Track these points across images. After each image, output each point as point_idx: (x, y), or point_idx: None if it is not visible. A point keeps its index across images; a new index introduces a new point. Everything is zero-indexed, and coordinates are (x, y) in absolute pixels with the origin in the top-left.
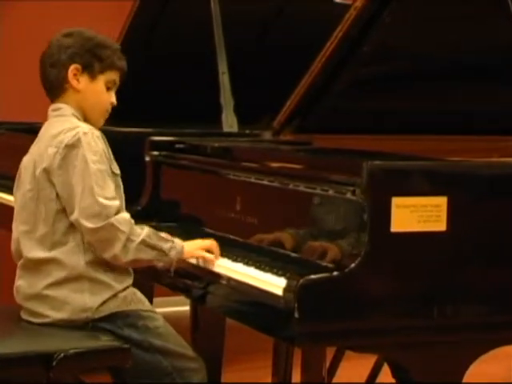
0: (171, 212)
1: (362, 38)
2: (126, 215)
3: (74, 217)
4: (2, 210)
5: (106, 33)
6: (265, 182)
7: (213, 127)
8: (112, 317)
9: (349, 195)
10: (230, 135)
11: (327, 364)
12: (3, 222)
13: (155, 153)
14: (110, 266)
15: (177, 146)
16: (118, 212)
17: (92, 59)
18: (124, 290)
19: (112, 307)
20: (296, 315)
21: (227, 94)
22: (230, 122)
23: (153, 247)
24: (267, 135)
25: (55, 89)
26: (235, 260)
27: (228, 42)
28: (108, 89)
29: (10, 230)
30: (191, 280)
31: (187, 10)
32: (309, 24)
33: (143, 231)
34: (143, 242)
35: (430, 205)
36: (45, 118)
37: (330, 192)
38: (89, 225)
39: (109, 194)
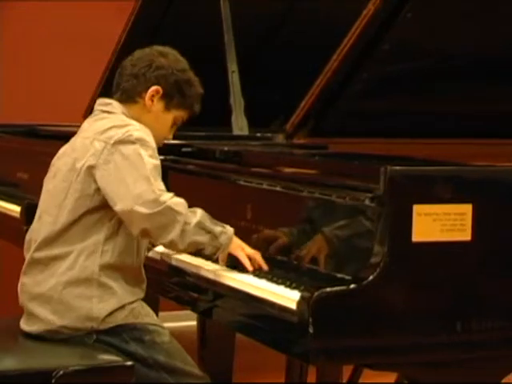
0: None
1: (381, 35)
2: (180, 199)
3: (123, 206)
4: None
5: (106, 33)
6: (277, 189)
7: (222, 130)
8: (118, 329)
9: (367, 202)
10: (240, 138)
11: (344, 383)
12: (2, 232)
13: (161, 157)
14: (124, 275)
15: (184, 149)
16: (172, 197)
17: (176, 91)
18: (132, 302)
19: (119, 319)
20: (310, 330)
21: (237, 95)
22: (240, 124)
23: (207, 230)
24: (280, 138)
25: (126, 96)
26: (246, 272)
27: (238, 38)
28: (172, 125)
29: (9, 240)
30: (198, 293)
31: (194, 6)
32: (324, 20)
33: (197, 213)
34: (199, 224)
35: (454, 213)
36: (46, 120)
37: (347, 199)
38: (145, 210)
39: (162, 187)
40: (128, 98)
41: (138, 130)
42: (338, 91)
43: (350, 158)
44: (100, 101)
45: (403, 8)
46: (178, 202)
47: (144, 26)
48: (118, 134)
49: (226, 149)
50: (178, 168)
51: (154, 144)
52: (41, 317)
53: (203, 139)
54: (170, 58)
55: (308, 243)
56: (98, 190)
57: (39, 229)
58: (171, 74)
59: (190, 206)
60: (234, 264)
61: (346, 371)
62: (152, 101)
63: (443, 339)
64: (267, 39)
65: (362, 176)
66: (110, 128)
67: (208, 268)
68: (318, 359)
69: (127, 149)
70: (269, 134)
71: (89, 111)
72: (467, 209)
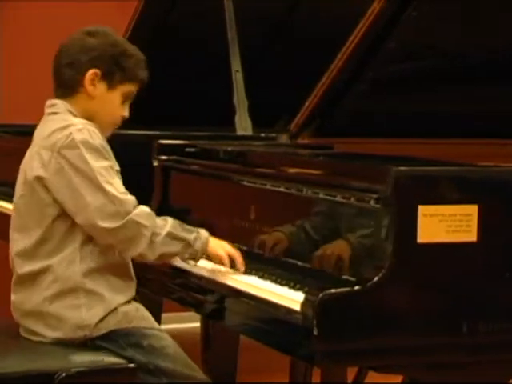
0: (181, 221)
1: (386, 34)
2: (145, 208)
3: (85, 221)
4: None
5: None
6: (281, 189)
7: (225, 130)
8: (112, 335)
9: (372, 203)
10: (243, 138)
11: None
12: (1, 232)
13: (164, 157)
14: (109, 277)
15: (187, 149)
16: (135, 206)
17: (114, 67)
18: (125, 303)
19: (112, 324)
20: (315, 332)
21: (241, 94)
22: (243, 124)
23: (179, 239)
24: (284, 139)
25: (67, 89)
26: (249, 273)
27: (242, 37)
28: (123, 101)
29: (5, 239)
30: (202, 294)
31: (198, 5)
32: (329, 20)
33: (167, 222)
34: (169, 235)
35: (460, 214)
36: None
37: (352, 200)
38: (107, 225)
39: (120, 188)
40: (69, 90)
41: (79, 130)
42: (342, 91)
43: (355, 159)
44: (47, 103)
45: (408, 7)
46: (142, 214)
47: (147, 26)
48: (60, 139)
49: (229, 149)
50: (181, 168)
51: (99, 142)
52: (36, 332)
53: (206, 139)
54: (99, 35)
55: (312, 244)
56: (56, 199)
57: (16, 246)
58: (104, 51)
59: (193, 207)
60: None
61: (351, 372)
62: (94, 85)
63: (449, 341)
64: (271, 38)
65: (367, 177)
66: (53, 132)
67: (211, 269)
68: (322, 361)
69: (73, 156)
70: (273, 134)
71: None
72: (473, 210)
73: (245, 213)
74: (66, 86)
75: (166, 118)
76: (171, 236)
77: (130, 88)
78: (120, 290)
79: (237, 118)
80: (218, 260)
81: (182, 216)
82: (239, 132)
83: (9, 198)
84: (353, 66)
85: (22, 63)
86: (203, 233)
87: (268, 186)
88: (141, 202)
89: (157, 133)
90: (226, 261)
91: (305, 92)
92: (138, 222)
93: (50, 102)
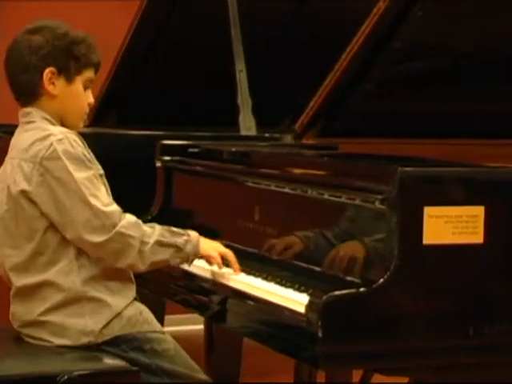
0: (184, 222)
1: (392, 33)
2: (131, 217)
3: (72, 234)
4: None
5: (109, 33)
6: (286, 190)
7: (229, 130)
8: (116, 340)
9: (377, 204)
10: (247, 139)
11: None
12: None
13: (167, 158)
14: (109, 282)
15: (190, 150)
16: (121, 217)
17: (67, 59)
18: (127, 306)
19: (116, 330)
20: (319, 335)
21: (245, 94)
22: (247, 124)
23: (168, 245)
24: (288, 139)
25: (27, 95)
26: (253, 275)
27: (245, 37)
28: (85, 88)
29: None
30: (205, 296)
31: (201, 4)
32: (333, 19)
33: (155, 230)
34: (158, 243)
35: (466, 215)
36: None
37: (357, 201)
38: (95, 239)
39: (105, 199)
40: (30, 96)
41: (60, 140)
42: (347, 91)
43: (360, 159)
44: (20, 112)
45: (414, 6)
46: (128, 225)
47: (150, 26)
48: (41, 150)
49: (233, 149)
50: (185, 169)
51: (80, 150)
52: (39, 338)
53: (210, 139)
54: (43, 31)
55: (317, 245)
56: (43, 212)
57: (9, 262)
58: (53, 46)
59: (196, 208)
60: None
61: (356, 375)
62: (53, 83)
63: (455, 343)
64: (275, 37)
65: (372, 177)
66: (33, 143)
67: (215, 271)
68: (327, 364)
69: (55, 167)
70: (277, 135)
71: (90, 111)
72: (479, 211)
73: (249, 214)
74: (27, 93)
75: (168, 118)
76: (160, 243)
77: (88, 75)
78: (120, 294)
79: (241, 118)
80: (209, 260)
81: (185, 218)
82: (243, 132)
83: None
84: (358, 65)
85: None
86: (193, 235)
87: (272, 187)
88: (143, 203)
89: (159, 133)
90: (218, 260)
91: (309, 92)
92: (124, 234)
93: (23, 110)
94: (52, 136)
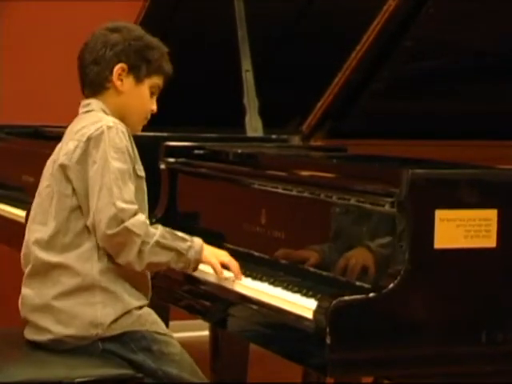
0: (189, 226)
1: (403, 31)
2: (140, 217)
3: (89, 219)
4: (1, 223)
5: None
6: (293, 193)
7: (235, 131)
8: (124, 337)
9: (387, 207)
10: (254, 140)
11: None
12: (3, 235)
13: (171, 160)
14: (127, 278)
15: (195, 152)
16: (132, 216)
17: (140, 61)
18: (140, 308)
19: (125, 325)
20: (328, 341)
21: (251, 95)
22: (254, 125)
23: (169, 248)
24: (296, 140)
25: (95, 86)
26: (260, 279)
27: (252, 36)
28: (151, 94)
29: (9, 244)
30: (211, 301)
31: (207, 3)
32: (342, 17)
33: (157, 231)
34: (158, 244)
35: (479, 218)
36: (47, 121)
37: (366, 204)
38: (105, 229)
39: (128, 196)
40: (98, 87)
41: (109, 128)
42: (357, 91)
43: (370, 161)
44: (82, 103)
45: (425, 3)
46: (136, 223)
47: (154, 25)
48: (90, 130)
49: (239, 151)
50: (189, 171)
51: (124, 143)
52: (44, 327)
53: (216, 141)
54: (122, 30)
55: (325, 249)
56: (75, 190)
57: (33, 236)
58: (129, 45)
59: (201, 211)
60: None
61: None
62: (121, 80)
63: (467, 350)
64: (283, 37)
65: (381, 179)
66: (84, 126)
67: (220, 276)
68: (335, 371)
69: (97, 149)
70: (284, 136)
71: None
72: (492, 214)
73: (255, 217)
74: (94, 84)
75: (173, 119)
76: (160, 245)
77: (157, 81)
78: (136, 294)
79: (247, 118)
80: (213, 268)
81: (190, 221)
82: (249, 133)
83: (13, 202)
84: (367, 65)
85: (23, 64)
86: (197, 241)
87: (279, 190)
88: (148, 205)
89: (164, 134)
90: (218, 268)
91: (317, 92)
92: (131, 230)
93: (84, 101)
94: (104, 121)
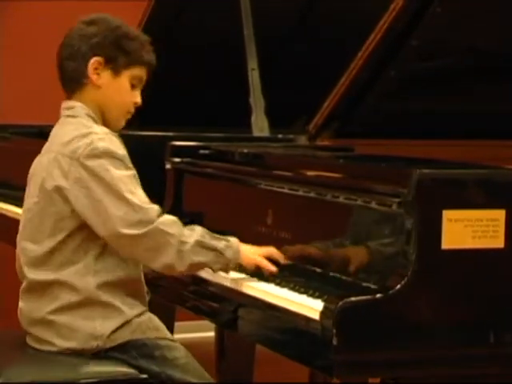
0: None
1: (410, 30)
2: (170, 216)
3: (108, 231)
4: (5, 223)
5: None
6: (300, 193)
7: (241, 131)
8: (126, 346)
9: (394, 208)
10: (260, 140)
11: None
12: (7, 236)
13: (177, 159)
14: (124, 290)
15: (201, 151)
16: (159, 215)
17: (116, 52)
18: (138, 315)
19: (125, 335)
20: (334, 342)
21: (257, 94)
22: (260, 124)
23: (209, 248)
24: (302, 140)
25: (72, 83)
26: (266, 280)
27: (258, 35)
28: (133, 86)
29: (14, 245)
30: (217, 302)
31: (212, 3)
32: (349, 17)
33: (195, 231)
34: (198, 243)
35: (486, 219)
36: (47, 121)
37: (373, 204)
38: (132, 231)
39: (143, 197)
40: (75, 84)
41: (102, 139)
42: (363, 90)
43: (377, 161)
44: (64, 104)
45: (432, 3)
46: (168, 222)
47: (159, 25)
48: (80, 147)
49: (245, 151)
50: (195, 171)
51: (122, 152)
52: (46, 340)
53: (222, 141)
54: (99, 23)
55: (332, 250)
56: (74, 210)
57: (25, 256)
58: (104, 37)
59: (207, 211)
60: (256, 271)
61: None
62: (98, 74)
63: (475, 352)
64: (289, 35)
65: (389, 180)
66: (73, 139)
67: (227, 276)
68: (341, 372)
69: (94, 165)
70: (291, 136)
71: None
72: (500, 215)
73: (261, 217)
74: (72, 80)
75: (179, 118)
76: (200, 244)
77: (137, 72)
78: (134, 304)
79: (253, 118)
80: (253, 267)
81: (195, 221)
82: (255, 133)
83: (18, 202)
84: (374, 64)
85: (23, 64)
86: (234, 240)
87: (286, 190)
88: None
89: (170, 134)
90: (264, 264)
91: (324, 91)
92: (162, 230)
93: (67, 103)
94: (93, 134)
